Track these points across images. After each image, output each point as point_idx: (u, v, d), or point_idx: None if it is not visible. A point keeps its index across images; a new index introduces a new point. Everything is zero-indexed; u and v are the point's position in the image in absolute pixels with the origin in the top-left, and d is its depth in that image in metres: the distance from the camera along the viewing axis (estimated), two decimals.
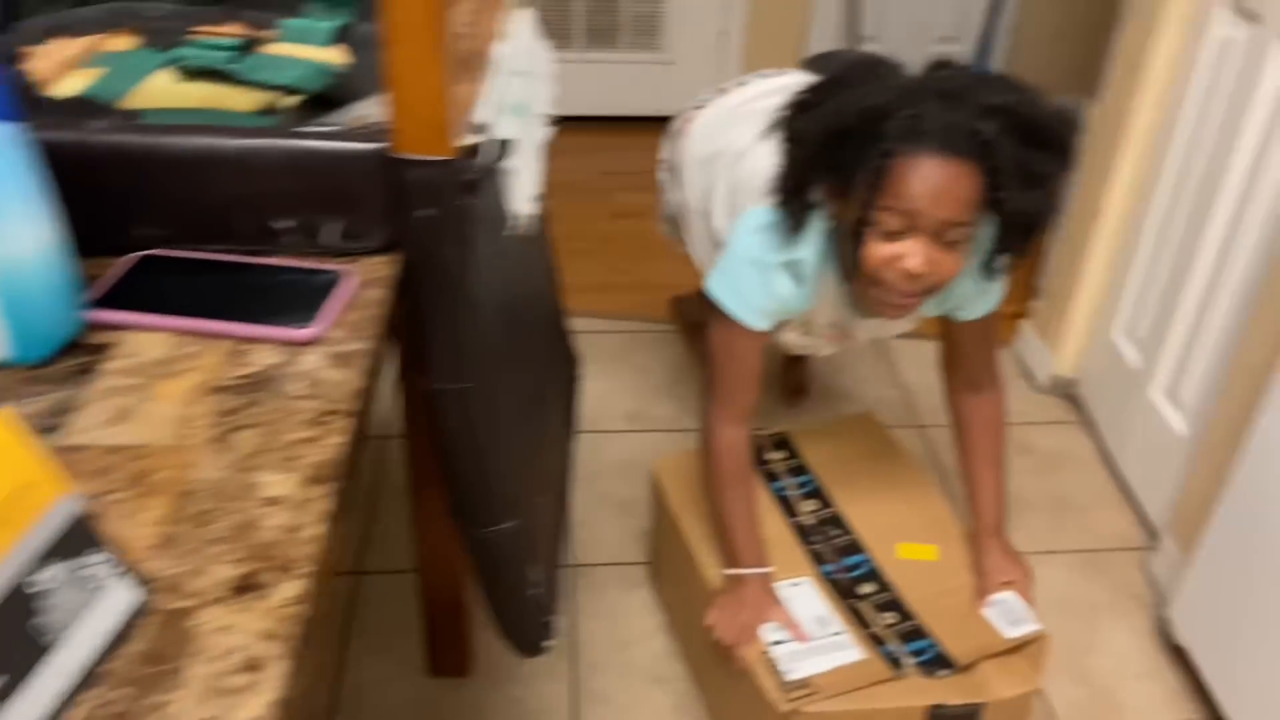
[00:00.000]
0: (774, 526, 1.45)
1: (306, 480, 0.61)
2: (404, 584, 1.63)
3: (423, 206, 0.71)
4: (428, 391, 0.76)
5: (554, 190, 2.93)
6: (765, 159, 1.23)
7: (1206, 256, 1.70)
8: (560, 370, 1.30)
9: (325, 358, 0.69)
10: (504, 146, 0.77)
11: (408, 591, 1.56)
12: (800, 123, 1.13)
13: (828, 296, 1.32)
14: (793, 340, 1.47)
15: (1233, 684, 1.46)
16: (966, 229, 1.10)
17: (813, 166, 1.13)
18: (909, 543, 1.44)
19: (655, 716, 1.54)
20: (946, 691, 1.25)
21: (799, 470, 1.55)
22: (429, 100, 0.67)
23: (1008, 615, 1.34)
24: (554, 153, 2.73)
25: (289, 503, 0.60)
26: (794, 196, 1.16)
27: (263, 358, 0.69)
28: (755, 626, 1.30)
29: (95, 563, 0.54)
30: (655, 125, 3.25)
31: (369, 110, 0.76)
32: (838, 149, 1.08)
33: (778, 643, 1.28)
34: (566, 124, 3.20)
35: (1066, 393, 2.15)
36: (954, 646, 1.29)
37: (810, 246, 1.22)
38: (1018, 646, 1.31)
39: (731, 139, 1.49)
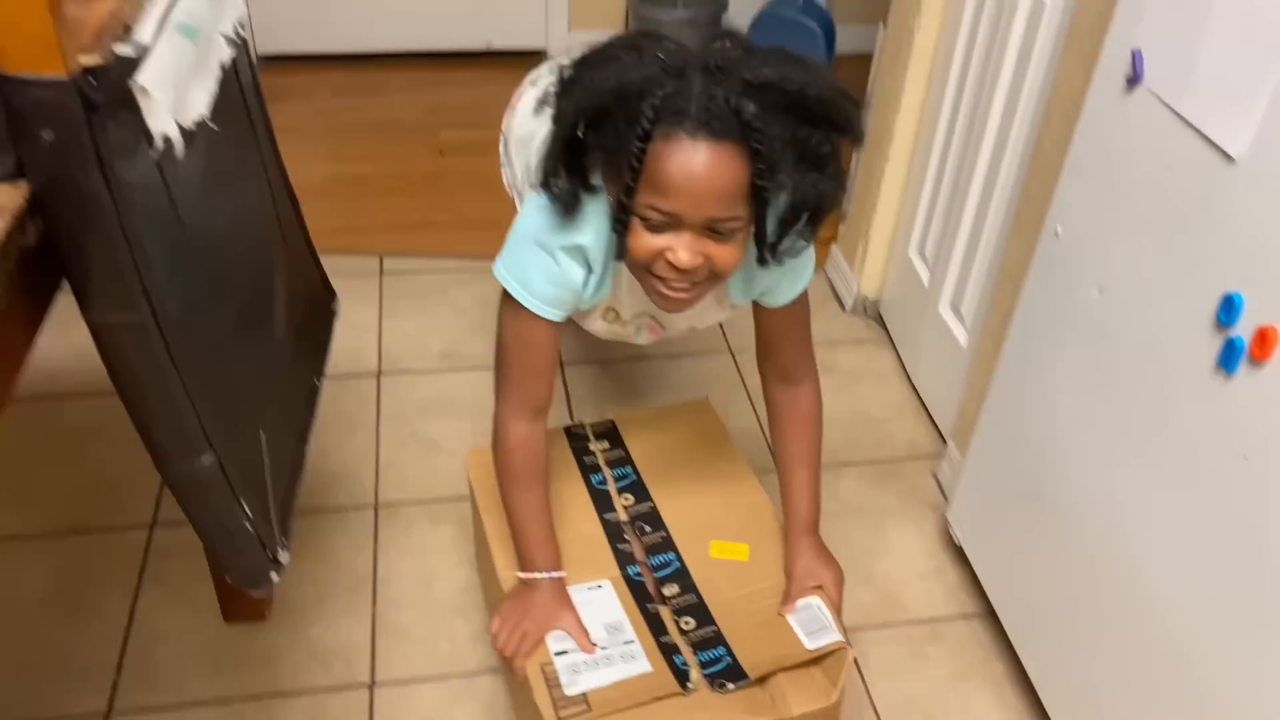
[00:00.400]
0: (585, 524, 1.38)
1: None
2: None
3: (41, 129, 0.68)
4: (92, 326, 0.73)
5: (377, 128, 2.91)
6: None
7: (980, 171, 1.76)
8: (301, 304, 1.26)
9: None
10: (143, 64, 0.74)
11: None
12: (561, 102, 1.03)
13: (624, 284, 1.22)
14: (601, 329, 1.36)
15: (998, 576, 1.55)
16: (736, 220, 1.01)
17: (570, 149, 1.03)
18: (722, 541, 1.37)
19: (454, 648, 1.56)
20: (731, 708, 1.17)
21: (621, 462, 1.48)
22: (33, 14, 0.63)
23: (809, 624, 1.26)
24: (377, 90, 2.67)
25: None
26: (558, 180, 1.06)
27: None
28: (539, 635, 1.23)
29: None
30: (481, 60, 3.20)
31: None
32: (595, 131, 0.99)
33: (561, 653, 1.21)
34: (392, 61, 3.14)
35: (871, 312, 2.22)
36: (748, 657, 1.22)
37: (593, 232, 1.12)
38: (818, 658, 1.23)
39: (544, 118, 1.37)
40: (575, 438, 1.52)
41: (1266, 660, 1.01)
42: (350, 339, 2.09)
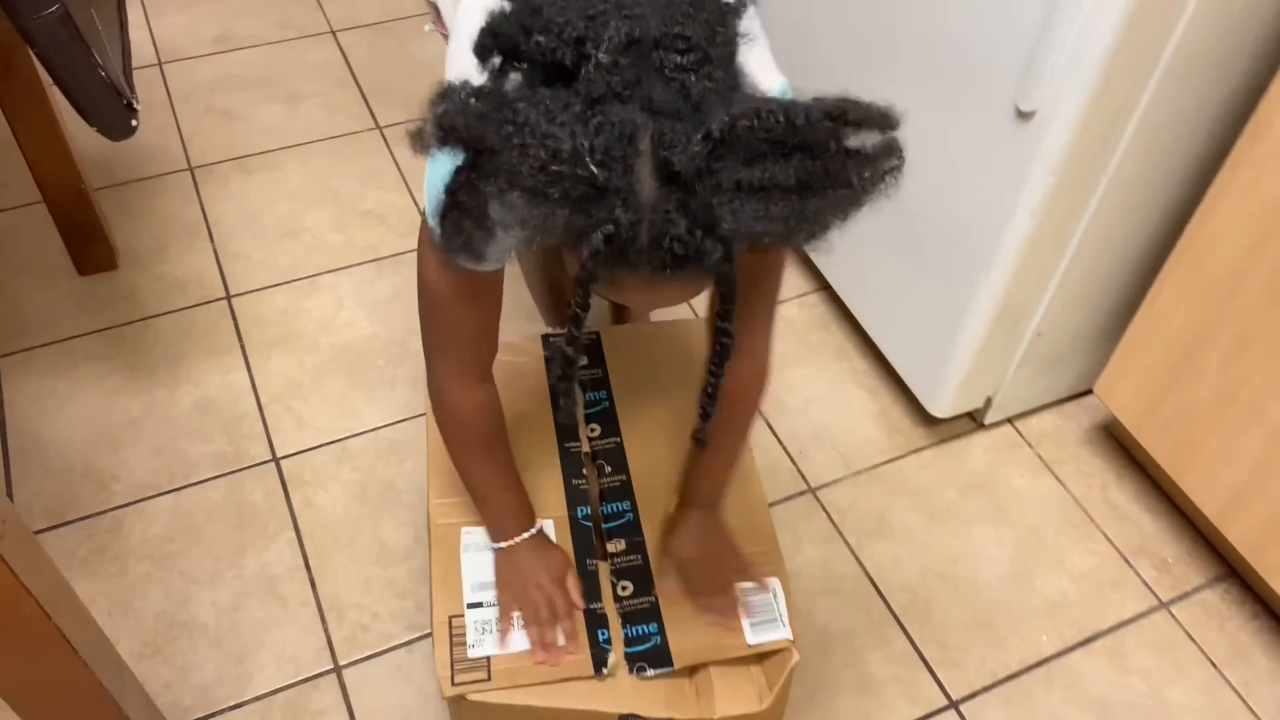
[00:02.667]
0: (544, 453, 1.21)
1: None
2: (37, 213, 1.74)
3: None
4: None
5: None
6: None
7: None
8: None
9: None
10: None
11: (43, 218, 1.69)
12: (459, 175, 0.68)
13: None
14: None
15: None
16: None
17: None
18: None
19: (292, 260, 1.81)
20: (645, 699, 1.03)
21: (597, 384, 1.28)
22: None
23: (760, 613, 1.09)
24: None
25: None
26: (460, 238, 0.73)
27: None
28: (561, 588, 1.08)
29: None
30: None
31: None
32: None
33: (476, 605, 1.07)
34: None
35: None
36: (679, 641, 1.06)
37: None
38: (761, 655, 1.07)
39: None
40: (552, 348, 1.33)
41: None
42: None
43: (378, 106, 2.10)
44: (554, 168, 0.62)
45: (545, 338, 1.33)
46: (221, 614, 1.37)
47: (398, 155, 2.00)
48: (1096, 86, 1.14)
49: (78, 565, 1.40)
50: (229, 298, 1.74)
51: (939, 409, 1.55)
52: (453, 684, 1.01)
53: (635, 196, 0.62)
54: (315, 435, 1.57)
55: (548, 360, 1.24)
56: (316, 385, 1.63)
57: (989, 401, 1.59)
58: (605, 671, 1.04)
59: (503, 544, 1.10)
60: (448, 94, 0.67)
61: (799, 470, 1.57)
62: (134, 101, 1.16)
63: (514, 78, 0.69)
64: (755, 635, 1.07)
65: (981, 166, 1.29)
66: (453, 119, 0.64)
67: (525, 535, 1.10)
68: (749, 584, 1.11)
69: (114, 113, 1.14)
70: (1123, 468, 1.61)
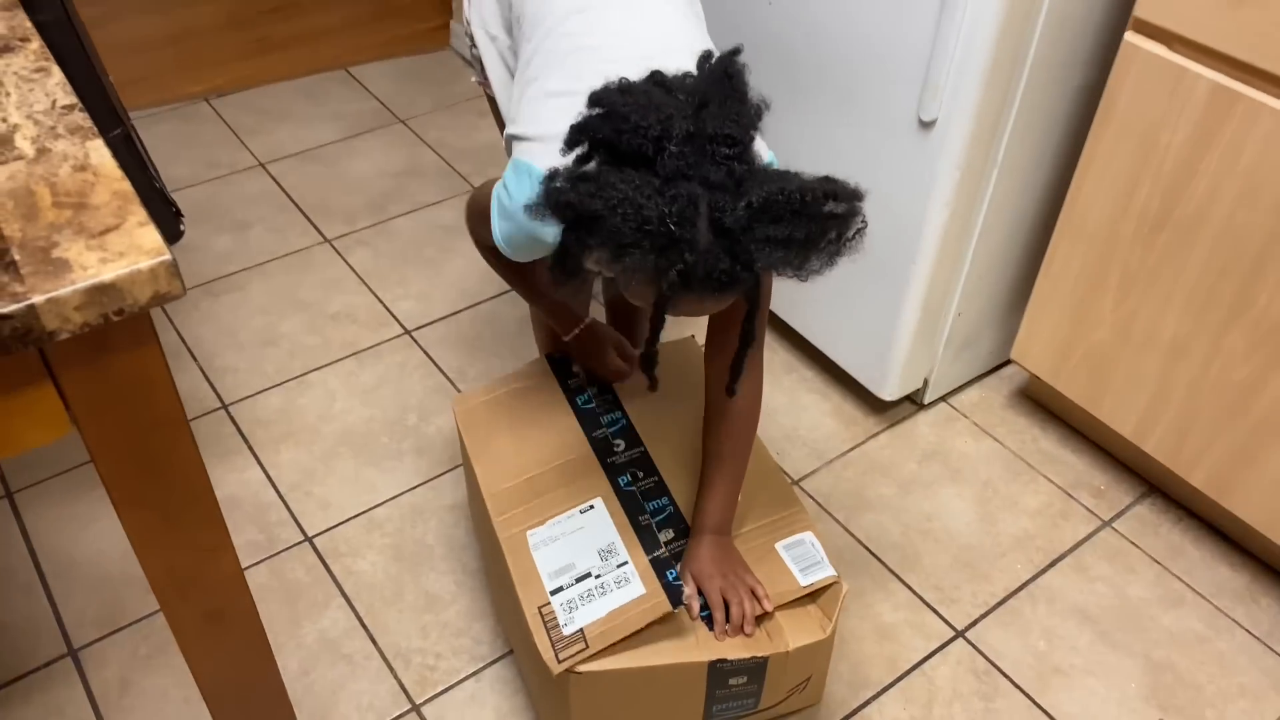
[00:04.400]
0: (573, 447, 1.38)
1: None
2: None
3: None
4: (36, 24, 1.01)
5: None
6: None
7: None
8: None
9: None
10: None
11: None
12: (565, 235, 0.96)
13: None
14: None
15: None
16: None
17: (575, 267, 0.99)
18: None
19: (276, 366, 1.92)
20: (727, 645, 1.19)
21: (612, 406, 1.45)
22: None
23: (803, 560, 1.27)
24: None
25: None
26: (569, 280, 1.01)
27: None
28: (614, 347, 1.46)
29: None
30: None
31: None
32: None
33: (557, 590, 1.21)
34: None
35: None
36: None
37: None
38: (812, 594, 1.25)
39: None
40: (558, 363, 1.52)
41: None
42: None
43: (321, 223, 2.26)
44: (646, 227, 0.89)
45: (548, 358, 1.53)
46: (294, 680, 1.46)
47: (352, 262, 2.16)
48: (981, 94, 1.43)
49: (142, 665, 1.46)
50: (225, 407, 1.84)
51: (888, 393, 1.79)
52: (559, 661, 1.13)
53: (697, 245, 0.91)
54: (340, 512, 1.68)
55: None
56: (329, 469, 1.74)
57: (926, 382, 1.84)
58: (683, 604, 1.19)
59: (571, 336, 1.46)
60: (553, 178, 0.94)
61: (781, 468, 1.77)
62: (179, 211, 1.30)
63: (598, 168, 0.95)
64: (805, 578, 1.25)
65: (897, 171, 1.56)
66: (564, 195, 0.92)
67: (580, 327, 1.46)
68: (789, 541, 1.29)
69: (167, 219, 1.28)
70: (1045, 421, 1.87)
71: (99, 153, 0.73)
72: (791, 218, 0.92)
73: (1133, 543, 1.68)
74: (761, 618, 1.22)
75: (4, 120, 0.77)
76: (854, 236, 0.97)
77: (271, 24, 2.97)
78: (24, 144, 0.74)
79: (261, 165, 2.42)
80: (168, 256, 0.65)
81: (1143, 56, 1.39)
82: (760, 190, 0.91)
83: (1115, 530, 1.70)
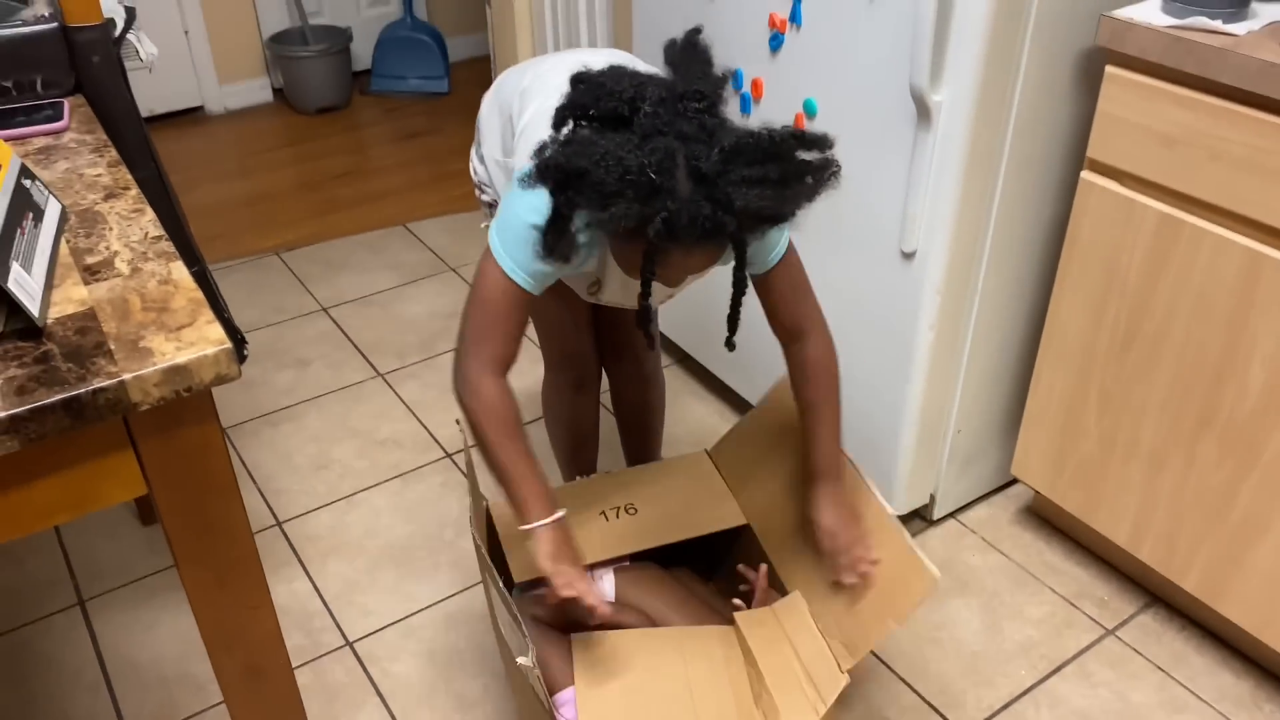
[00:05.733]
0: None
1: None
2: None
3: (91, 55, 1.21)
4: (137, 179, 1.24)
5: None
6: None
7: None
8: None
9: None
10: (127, 14, 1.28)
11: None
12: (556, 196, 1.06)
13: (609, 261, 1.32)
14: (585, 295, 1.46)
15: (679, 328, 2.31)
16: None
17: (566, 231, 1.10)
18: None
19: (327, 488, 2.09)
20: None
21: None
22: None
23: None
24: None
25: None
26: (559, 249, 1.11)
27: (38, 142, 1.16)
28: (578, 571, 1.26)
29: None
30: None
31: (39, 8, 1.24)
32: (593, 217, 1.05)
33: None
34: None
35: None
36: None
37: (580, 221, 1.11)
38: (812, 679, 1.32)
39: (543, 75, 1.39)
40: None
41: None
42: None
43: (375, 359, 2.46)
44: (628, 177, 0.99)
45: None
46: None
47: (401, 394, 2.35)
48: (955, 226, 1.59)
49: None
50: (279, 524, 2.00)
51: (894, 507, 1.89)
52: None
53: (678, 192, 1.00)
54: (379, 619, 1.80)
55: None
56: (372, 580, 1.88)
57: (933, 498, 1.94)
58: None
59: (525, 527, 1.25)
60: (543, 148, 1.06)
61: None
62: (244, 336, 1.50)
63: (581, 132, 1.07)
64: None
65: (885, 297, 1.71)
66: (551, 159, 1.03)
67: (545, 521, 1.24)
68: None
69: (234, 344, 1.47)
70: (1050, 536, 1.95)
71: (179, 271, 0.92)
72: (764, 160, 1.01)
73: (1136, 650, 1.73)
74: (760, 694, 1.31)
75: (108, 248, 0.96)
76: (828, 179, 1.05)
77: (338, 187, 3.28)
78: (122, 265, 0.93)
79: (323, 309, 2.66)
80: (228, 345, 0.82)
81: (1098, 192, 1.55)
82: (731, 137, 1.02)
83: (1118, 638, 1.75)
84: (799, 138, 1.04)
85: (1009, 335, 1.82)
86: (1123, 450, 1.66)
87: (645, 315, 1.24)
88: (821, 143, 1.05)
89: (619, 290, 1.41)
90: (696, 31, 1.14)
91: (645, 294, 1.11)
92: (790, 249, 1.30)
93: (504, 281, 1.20)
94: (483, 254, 1.23)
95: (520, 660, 1.22)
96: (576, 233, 1.10)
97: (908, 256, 1.65)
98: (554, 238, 1.09)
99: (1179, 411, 1.56)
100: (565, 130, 1.09)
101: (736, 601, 1.46)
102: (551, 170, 1.03)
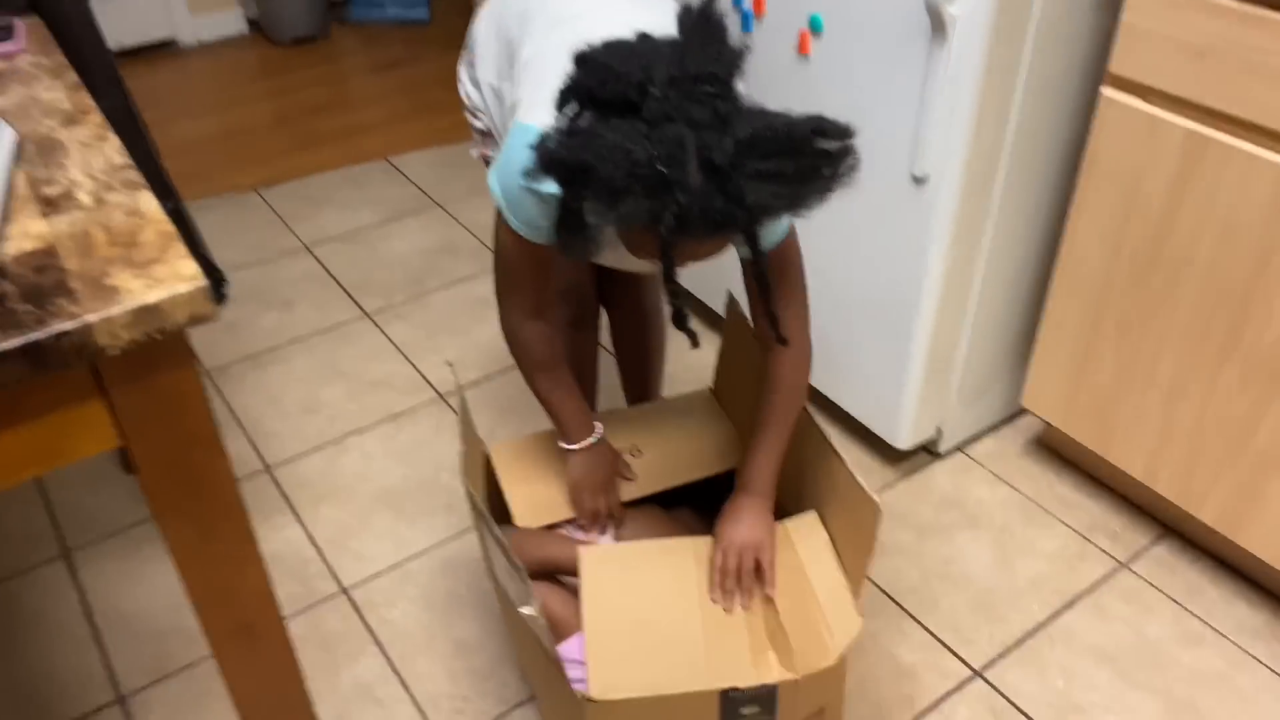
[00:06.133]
0: None
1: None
2: None
3: None
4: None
5: None
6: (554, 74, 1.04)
7: None
8: None
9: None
10: None
11: None
12: (567, 191, 0.99)
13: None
14: (602, 260, 1.39)
15: None
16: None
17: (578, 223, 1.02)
18: None
19: (317, 431, 2.02)
20: (738, 672, 1.21)
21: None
22: None
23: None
24: None
25: None
26: (574, 242, 1.05)
27: None
28: (610, 493, 1.38)
29: None
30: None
31: None
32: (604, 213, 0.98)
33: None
34: None
35: None
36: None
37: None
38: (829, 625, 1.26)
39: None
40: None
41: None
42: None
43: (362, 299, 2.38)
44: (636, 171, 0.91)
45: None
46: None
47: (390, 335, 2.27)
48: (969, 149, 1.52)
49: (187, 710, 1.53)
50: (269, 469, 1.94)
51: (902, 441, 1.84)
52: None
53: (688, 185, 0.92)
54: (374, 565, 1.75)
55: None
56: (365, 525, 1.82)
57: (940, 431, 1.89)
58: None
59: (567, 446, 1.39)
60: (545, 139, 0.96)
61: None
62: (224, 275, 1.42)
63: (585, 118, 0.98)
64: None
65: (895, 226, 1.64)
66: (554, 153, 0.94)
67: (585, 442, 1.38)
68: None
69: (213, 284, 1.39)
70: (1060, 468, 1.91)
71: (148, 201, 0.84)
72: (781, 153, 0.93)
73: (1150, 583, 1.70)
74: (776, 635, 1.26)
75: (68, 178, 0.88)
76: (845, 173, 0.97)
77: (317, 121, 3.17)
78: (84, 196, 0.85)
79: (306, 248, 2.57)
80: (203, 282, 0.75)
81: (1119, 109, 1.47)
82: (747, 126, 0.93)
83: (1132, 571, 1.72)
84: (819, 127, 0.95)
85: (1023, 263, 1.76)
86: (1140, 380, 1.61)
87: (681, 317, 1.09)
88: (843, 132, 0.96)
89: (615, 257, 1.35)
90: (712, 2, 1.02)
91: (670, 279, 1.01)
92: (790, 235, 1.23)
93: (518, 241, 1.20)
94: (495, 212, 1.22)
95: (524, 610, 1.17)
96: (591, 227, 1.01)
97: (919, 181, 1.57)
98: (568, 233, 1.02)
99: (1201, 340, 1.50)
100: (568, 109, 1.00)
101: None
102: (555, 166, 0.96)
